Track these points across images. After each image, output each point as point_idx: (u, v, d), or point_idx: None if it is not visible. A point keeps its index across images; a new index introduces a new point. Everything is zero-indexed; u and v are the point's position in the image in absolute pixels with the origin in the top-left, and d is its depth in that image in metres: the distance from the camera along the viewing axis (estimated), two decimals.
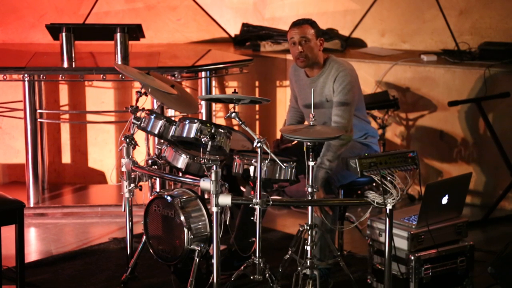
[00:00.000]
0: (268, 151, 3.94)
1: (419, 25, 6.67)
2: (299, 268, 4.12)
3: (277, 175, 4.16)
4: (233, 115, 3.94)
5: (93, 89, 6.45)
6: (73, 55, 5.83)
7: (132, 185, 4.49)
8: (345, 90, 4.47)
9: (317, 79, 4.56)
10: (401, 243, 4.21)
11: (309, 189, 4.06)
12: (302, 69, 4.64)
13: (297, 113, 4.88)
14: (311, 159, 4.03)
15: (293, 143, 4.72)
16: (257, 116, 6.70)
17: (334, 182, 4.45)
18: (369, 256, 4.41)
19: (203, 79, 5.93)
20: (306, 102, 4.62)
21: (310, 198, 4.07)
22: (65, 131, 6.49)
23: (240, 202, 4.03)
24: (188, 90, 6.14)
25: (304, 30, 4.51)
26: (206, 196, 4.75)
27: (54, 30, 5.83)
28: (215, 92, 6.46)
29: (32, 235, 5.42)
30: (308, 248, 4.11)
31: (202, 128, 4.11)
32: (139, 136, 4.83)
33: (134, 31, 5.86)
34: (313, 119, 4.12)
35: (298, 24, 4.55)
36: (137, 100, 4.51)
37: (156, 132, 4.39)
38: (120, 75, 5.56)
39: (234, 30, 7.06)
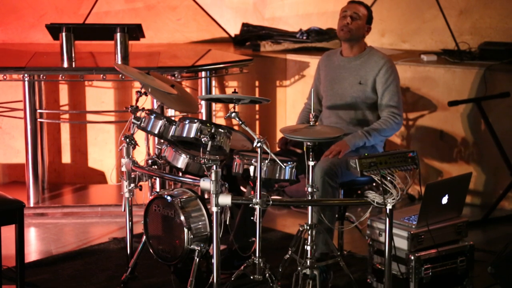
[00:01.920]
0: (268, 151, 3.94)
1: (419, 25, 6.67)
2: (299, 268, 4.12)
3: (277, 175, 4.16)
4: (233, 115, 3.94)
5: (93, 89, 6.45)
6: (73, 55, 5.83)
7: (132, 185, 4.49)
8: (395, 82, 4.66)
9: (355, 60, 4.68)
10: (401, 243, 4.21)
11: (309, 189, 4.06)
12: (338, 51, 4.79)
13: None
14: (311, 159, 4.03)
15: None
16: (257, 116, 6.70)
17: (337, 174, 4.43)
18: (369, 256, 4.40)
19: (203, 79, 5.93)
20: (335, 82, 4.67)
21: (310, 198, 4.07)
22: (65, 131, 6.49)
23: (240, 202, 4.03)
24: (188, 90, 6.14)
25: (359, 8, 4.72)
26: (206, 196, 4.75)
27: (54, 30, 5.83)
28: (215, 92, 6.46)
29: (32, 235, 5.42)
30: (308, 248, 4.11)
31: (202, 128, 4.11)
32: (139, 136, 4.83)
33: (134, 31, 5.86)
34: (313, 119, 4.14)
35: (355, 2, 4.75)
36: (137, 100, 4.51)
37: (156, 132, 4.39)
38: (120, 75, 5.56)
39: (234, 30, 7.06)
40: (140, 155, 5.84)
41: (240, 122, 3.93)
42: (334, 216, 4.49)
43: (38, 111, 5.82)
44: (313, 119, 4.13)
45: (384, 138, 4.71)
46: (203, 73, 5.88)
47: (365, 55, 4.70)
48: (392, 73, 4.66)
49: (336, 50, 4.86)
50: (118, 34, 5.80)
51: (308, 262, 4.10)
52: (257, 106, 6.67)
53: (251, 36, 6.84)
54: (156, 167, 4.47)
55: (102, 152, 6.52)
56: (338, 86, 4.71)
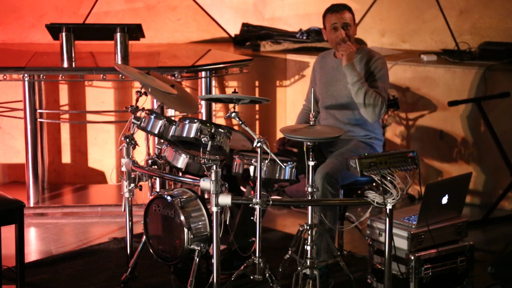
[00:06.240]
0: (268, 151, 3.94)
1: (419, 25, 6.68)
2: (299, 268, 4.12)
3: (277, 175, 4.16)
4: (233, 115, 3.94)
5: (93, 89, 6.45)
6: (73, 55, 5.83)
7: (132, 185, 4.49)
8: (384, 76, 4.56)
9: None
10: (401, 243, 4.21)
11: (309, 189, 4.06)
12: (332, 53, 4.74)
13: (309, 116, 4.87)
14: (311, 159, 4.03)
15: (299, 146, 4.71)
16: (257, 116, 6.70)
17: (337, 181, 4.42)
18: (369, 256, 4.41)
19: (203, 79, 5.93)
20: (330, 84, 4.65)
21: (310, 198, 4.07)
22: (65, 131, 6.49)
23: (240, 202, 4.03)
24: (188, 90, 6.14)
25: (345, 16, 4.61)
26: (206, 196, 4.75)
27: (54, 30, 5.83)
28: (215, 92, 6.46)
29: (32, 235, 5.42)
30: (308, 248, 4.11)
31: (202, 128, 4.10)
32: (139, 136, 4.83)
33: (134, 31, 5.86)
34: (313, 119, 4.14)
35: (337, 10, 4.62)
36: (137, 100, 4.51)
37: (156, 132, 4.39)
38: (120, 75, 5.56)
39: (234, 30, 7.06)
40: (140, 155, 5.84)
41: (240, 122, 3.93)
42: (335, 218, 4.49)
43: (38, 111, 5.82)
44: (313, 119, 4.13)
45: (361, 104, 4.49)
46: (203, 73, 5.88)
47: (357, 55, 4.64)
48: (382, 68, 4.58)
49: (329, 52, 4.83)
50: (118, 34, 5.80)
51: (308, 262, 4.10)
52: (257, 106, 6.67)
53: (251, 36, 6.83)
54: (156, 167, 4.47)
55: (102, 152, 6.52)
56: (333, 88, 4.69)
